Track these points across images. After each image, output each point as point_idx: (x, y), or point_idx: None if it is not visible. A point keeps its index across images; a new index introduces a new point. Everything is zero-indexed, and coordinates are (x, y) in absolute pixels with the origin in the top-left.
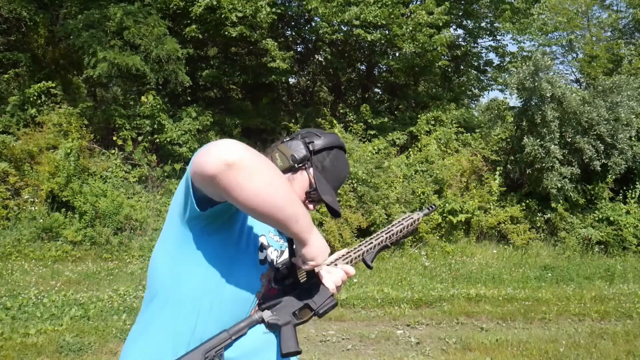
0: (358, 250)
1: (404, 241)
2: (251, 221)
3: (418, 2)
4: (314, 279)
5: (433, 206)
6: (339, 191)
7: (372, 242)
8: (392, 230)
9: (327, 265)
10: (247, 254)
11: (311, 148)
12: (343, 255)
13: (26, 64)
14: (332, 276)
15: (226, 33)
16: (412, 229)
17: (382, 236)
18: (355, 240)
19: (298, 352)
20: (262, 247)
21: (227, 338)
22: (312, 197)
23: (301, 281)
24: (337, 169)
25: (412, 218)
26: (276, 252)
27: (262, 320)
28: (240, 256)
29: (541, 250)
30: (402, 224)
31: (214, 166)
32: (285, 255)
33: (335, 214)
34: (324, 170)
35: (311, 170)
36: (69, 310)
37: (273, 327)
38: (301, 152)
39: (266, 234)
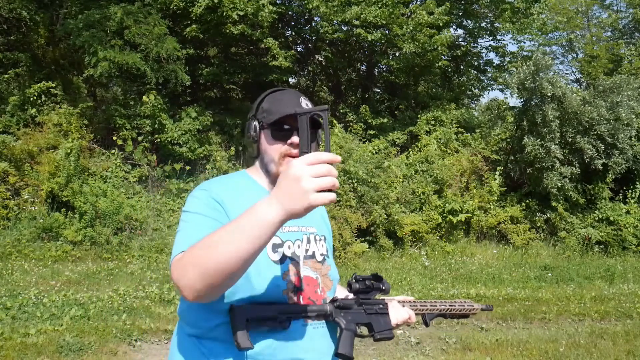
0: (424, 305)
1: (405, 242)
2: None
3: (418, 2)
4: (384, 307)
5: (491, 306)
6: (339, 191)
7: (435, 305)
8: (455, 306)
9: (398, 302)
10: (263, 269)
11: (252, 114)
12: (410, 302)
13: (26, 64)
14: (398, 313)
15: (227, 31)
16: (467, 314)
17: (446, 305)
18: (355, 240)
19: (350, 358)
20: (275, 247)
21: (299, 311)
22: (279, 135)
23: (373, 303)
24: (278, 99)
25: (472, 306)
26: (297, 244)
27: (329, 315)
28: (254, 271)
29: (541, 250)
30: (464, 306)
31: (189, 295)
32: (306, 243)
33: (303, 112)
34: (269, 111)
35: (262, 123)
36: (69, 310)
37: (334, 323)
38: (251, 125)
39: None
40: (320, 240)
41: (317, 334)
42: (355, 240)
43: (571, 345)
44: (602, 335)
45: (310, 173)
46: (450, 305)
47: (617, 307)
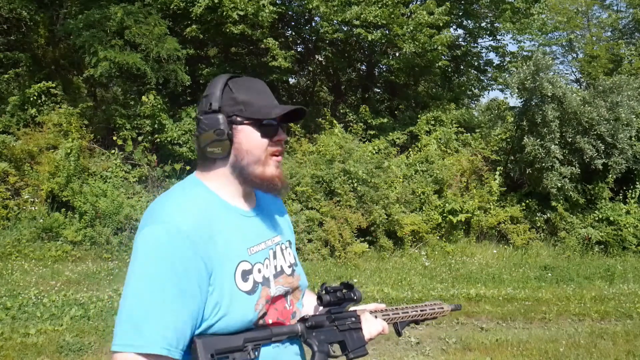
0: (395, 313)
1: (405, 242)
2: (220, 267)
3: (418, 2)
4: (357, 320)
5: (459, 306)
6: (339, 191)
7: (407, 312)
8: (426, 310)
9: (370, 312)
10: (232, 304)
11: (217, 106)
12: (382, 310)
13: (26, 64)
14: (371, 327)
15: (227, 31)
16: (437, 315)
17: (417, 311)
18: (355, 240)
19: None
20: (245, 275)
21: (269, 336)
22: (266, 131)
23: (345, 318)
24: (251, 89)
25: (442, 308)
26: (266, 263)
27: (301, 336)
28: (223, 311)
29: (541, 250)
30: (434, 309)
31: None
32: (273, 259)
33: (292, 108)
34: (246, 103)
35: (239, 117)
36: (69, 310)
37: (306, 344)
38: (218, 120)
39: (245, 255)
40: (286, 248)
41: (286, 353)
42: (355, 240)
43: (571, 345)
44: (602, 335)
45: None
46: (421, 311)
47: (617, 307)
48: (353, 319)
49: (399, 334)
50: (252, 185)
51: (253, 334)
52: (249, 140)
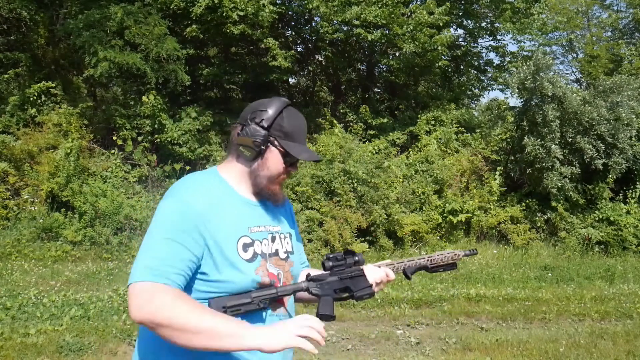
0: (400, 263)
1: (405, 242)
2: (222, 238)
3: (418, 2)
4: (359, 272)
5: (475, 250)
6: (339, 191)
7: (414, 260)
8: (434, 257)
9: (373, 266)
10: (237, 267)
11: (266, 125)
12: (387, 264)
13: (26, 64)
14: (374, 273)
15: (227, 31)
16: (452, 262)
17: (424, 258)
18: (355, 240)
19: (332, 317)
20: (246, 247)
21: (274, 293)
22: (288, 162)
23: (347, 271)
24: (296, 125)
25: (454, 253)
26: (264, 242)
27: (306, 289)
28: (225, 271)
29: (541, 250)
30: (444, 254)
31: (139, 320)
32: (270, 242)
33: (317, 159)
34: (288, 134)
35: (276, 142)
36: (69, 310)
37: (311, 295)
38: (260, 133)
39: (246, 232)
40: (285, 238)
41: None
42: (355, 240)
43: (571, 346)
44: (602, 336)
45: (304, 324)
46: (429, 258)
47: (617, 307)
48: (356, 271)
49: (408, 277)
50: (258, 189)
51: (259, 292)
52: (274, 162)
